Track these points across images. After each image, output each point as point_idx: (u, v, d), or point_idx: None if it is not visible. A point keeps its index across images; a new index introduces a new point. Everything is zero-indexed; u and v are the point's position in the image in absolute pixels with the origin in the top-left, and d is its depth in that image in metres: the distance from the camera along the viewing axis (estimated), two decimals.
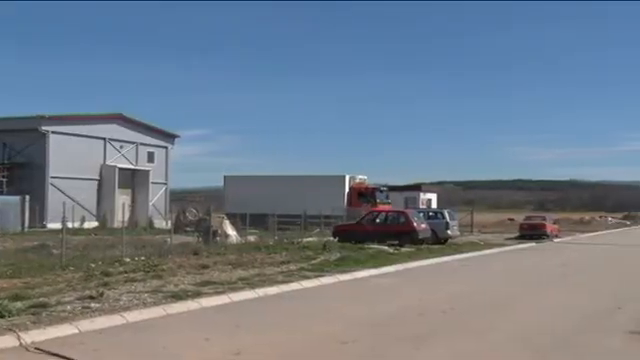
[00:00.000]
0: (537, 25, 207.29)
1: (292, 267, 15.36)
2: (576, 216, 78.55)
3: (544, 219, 38.56)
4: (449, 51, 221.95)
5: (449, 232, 27.90)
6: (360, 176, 40.09)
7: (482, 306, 10.77)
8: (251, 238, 24.40)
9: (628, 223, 77.59)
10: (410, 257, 19.67)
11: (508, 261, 21.50)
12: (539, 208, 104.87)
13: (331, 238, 25.55)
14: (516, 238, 34.56)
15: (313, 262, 16.72)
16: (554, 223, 40.21)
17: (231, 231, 24.11)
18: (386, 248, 22.16)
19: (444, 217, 28.24)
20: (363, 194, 37.11)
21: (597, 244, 33.18)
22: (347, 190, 38.12)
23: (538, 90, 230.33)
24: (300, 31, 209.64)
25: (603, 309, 10.50)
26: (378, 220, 26.59)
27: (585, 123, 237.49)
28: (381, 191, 38.40)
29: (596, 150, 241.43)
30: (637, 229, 63.69)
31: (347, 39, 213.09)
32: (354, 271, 15.25)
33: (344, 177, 38.57)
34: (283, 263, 16.17)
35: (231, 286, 11.69)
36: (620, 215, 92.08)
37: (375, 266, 16.60)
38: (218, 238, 22.26)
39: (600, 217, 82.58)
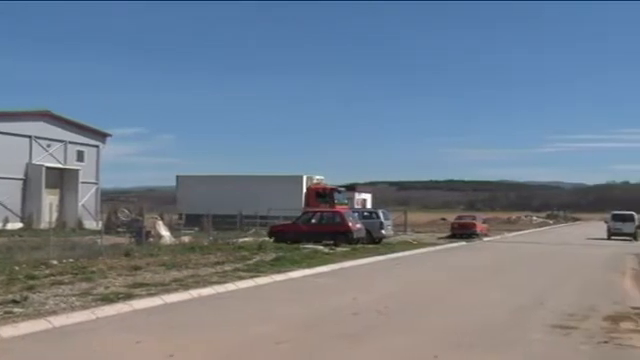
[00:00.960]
0: (471, 26, 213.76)
1: (227, 268, 15.23)
2: (504, 215, 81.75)
3: (474, 219, 39.78)
4: (383, 52, 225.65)
5: (383, 232, 28.35)
6: (317, 176, 39.80)
7: (415, 304, 11.03)
8: (185, 239, 24.01)
9: (551, 222, 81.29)
10: (345, 257, 19.88)
11: (440, 260, 22.08)
12: (470, 208, 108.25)
13: (267, 238, 25.49)
14: (448, 237, 35.50)
15: (248, 262, 16.64)
16: (484, 222, 41.59)
17: (164, 232, 23.65)
18: (321, 248, 22.30)
19: (378, 217, 28.67)
20: (321, 194, 36.88)
21: (523, 242, 34.56)
22: (305, 190, 37.83)
23: (471, 92, 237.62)
24: (235, 30, 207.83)
25: (527, 305, 10.95)
26: (314, 220, 26.72)
27: (513, 126, 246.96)
28: (339, 192, 38.29)
29: (523, 152, 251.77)
30: (559, 228, 66.77)
31: (284, 38, 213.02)
32: (289, 271, 15.27)
33: (302, 177, 38.19)
34: (218, 264, 16.00)
35: (164, 287, 11.48)
36: (544, 214, 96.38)
37: (310, 266, 16.69)
38: (151, 239, 21.79)
39: (526, 216, 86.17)
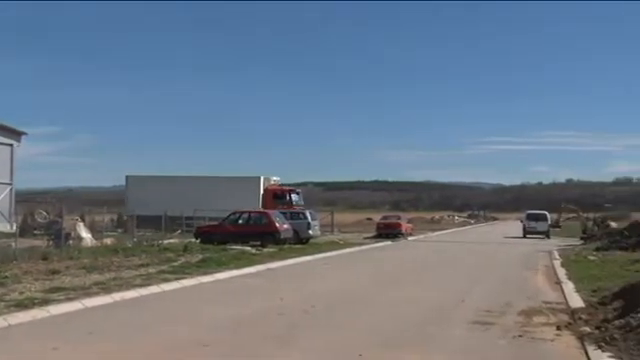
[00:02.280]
0: (400, 25, 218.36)
1: (151, 270, 14.88)
2: (428, 215, 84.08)
3: (399, 218, 40.68)
4: (304, 51, 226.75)
5: (311, 232, 28.53)
6: (274, 177, 39.35)
7: (341, 303, 11.18)
8: (108, 241, 23.27)
9: (472, 222, 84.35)
10: (272, 257, 19.87)
11: (365, 259, 22.45)
12: (395, 208, 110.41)
13: (193, 239, 25.10)
14: (373, 237, 36.11)
15: (174, 264, 16.34)
16: (408, 222, 42.61)
17: (85, 234, 22.83)
18: (249, 249, 22.20)
19: (306, 217, 28.84)
20: (279, 196, 36.44)
21: (445, 242, 35.69)
22: (262, 192, 37.24)
23: (396, 94, 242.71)
24: (154, 28, 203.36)
25: (449, 302, 11.34)
26: (241, 221, 26.55)
27: (436, 128, 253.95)
28: (297, 193, 37.95)
29: (446, 153, 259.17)
30: (479, 227, 69.41)
31: (203, 38, 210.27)
32: (216, 273, 15.12)
33: (259, 178, 37.52)
34: (142, 266, 15.61)
35: (85, 291, 11.10)
36: (465, 214, 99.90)
37: (237, 267, 16.58)
38: (71, 241, 20.97)
39: (448, 216, 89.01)
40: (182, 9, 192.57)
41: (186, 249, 20.20)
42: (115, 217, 39.39)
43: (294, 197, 36.63)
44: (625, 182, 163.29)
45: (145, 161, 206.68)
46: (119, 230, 34.31)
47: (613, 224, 44.10)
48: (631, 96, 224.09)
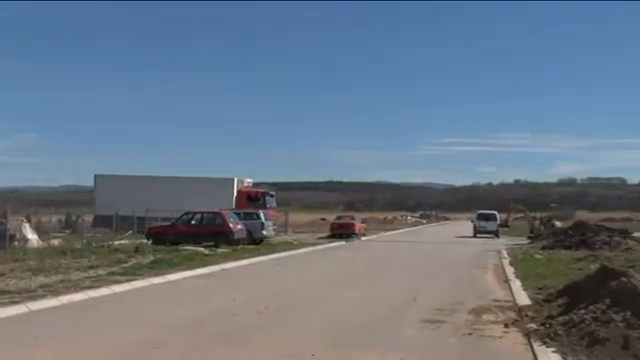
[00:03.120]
0: (358, 23, 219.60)
1: (101, 272, 14.56)
2: (381, 215, 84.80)
3: (353, 219, 40.96)
4: (252, 50, 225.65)
5: (264, 232, 28.44)
6: (248, 179, 38.86)
7: (295, 303, 11.20)
8: (55, 242, 22.64)
9: (424, 221, 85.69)
10: (226, 258, 19.74)
11: (319, 259, 22.54)
12: (349, 208, 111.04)
13: (144, 240, 24.68)
14: (327, 237, 36.25)
15: (124, 266, 16.03)
16: (362, 222, 42.94)
17: (31, 235, 22.16)
18: (202, 249, 21.96)
19: (259, 218, 28.73)
20: (253, 198, 35.97)
21: (398, 241, 36.14)
22: (235, 194, 36.70)
23: (350, 94, 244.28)
24: (108, 26, 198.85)
25: (401, 301, 11.50)
26: (194, 221, 26.25)
27: (391, 128, 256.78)
28: (271, 195, 37.54)
29: (399, 154, 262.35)
30: (431, 227, 70.58)
31: (153, 37, 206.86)
32: (168, 274, 14.92)
33: (232, 180, 36.97)
34: (91, 268, 15.25)
35: (30, 294, 10.78)
36: (418, 214, 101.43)
37: (190, 268, 16.40)
38: (16, 243, 20.32)
39: (401, 216, 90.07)
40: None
41: (137, 250, 19.83)
42: (63, 218, 38.38)
43: (268, 199, 36.35)
44: (569, 182, 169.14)
45: (98, 161, 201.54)
46: (67, 231, 33.44)
47: (558, 224, 45.62)
48: (575, 99, 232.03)
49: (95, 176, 40.00)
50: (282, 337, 8.14)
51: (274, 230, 33.71)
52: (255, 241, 27.18)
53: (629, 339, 6.72)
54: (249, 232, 26.63)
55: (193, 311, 10.11)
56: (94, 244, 21.82)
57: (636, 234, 30.45)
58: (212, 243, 23.83)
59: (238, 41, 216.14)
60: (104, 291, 11.86)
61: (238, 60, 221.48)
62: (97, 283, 12.63)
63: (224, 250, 22.40)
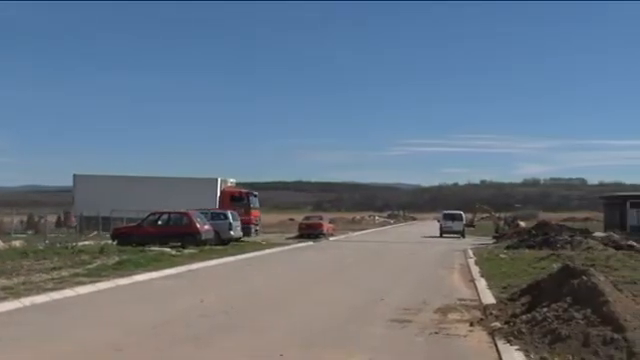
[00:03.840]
0: (319, 26, 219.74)
1: (65, 273, 14.28)
2: (349, 216, 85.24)
3: (321, 219, 41.06)
4: (219, 49, 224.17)
5: (232, 233, 28.26)
6: (231, 179, 38.43)
7: (263, 304, 11.16)
8: (17, 243, 22.11)
9: (392, 222, 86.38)
10: (193, 258, 19.57)
11: (288, 260, 22.52)
12: (317, 208, 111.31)
13: (110, 241, 24.29)
14: (296, 237, 36.27)
15: (89, 267, 15.75)
16: (330, 222, 43.09)
17: None
18: (168, 250, 21.71)
19: (227, 218, 28.55)
20: (237, 198, 35.52)
21: (366, 241, 36.34)
22: (219, 194, 36.17)
23: (318, 93, 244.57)
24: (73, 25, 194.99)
25: (369, 301, 11.57)
26: (160, 222, 25.93)
27: (359, 128, 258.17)
28: (255, 195, 37.21)
29: (367, 154, 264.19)
30: (398, 227, 71.16)
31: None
32: (134, 275, 14.72)
33: (216, 180, 36.42)
34: (54, 269, 14.95)
35: None
36: (385, 214, 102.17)
37: (157, 269, 16.22)
38: None
39: (369, 216, 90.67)
40: None
41: (102, 251, 19.51)
42: (25, 218, 37.52)
43: (252, 199, 36.14)
44: (533, 183, 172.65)
45: (68, 160, 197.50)
46: (29, 232, 32.70)
47: (522, 223, 46.56)
48: (541, 101, 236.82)
49: (74, 176, 39.21)
50: (250, 337, 8.11)
51: (256, 231, 34.02)
52: (223, 242, 27.00)
53: (589, 336, 6.89)
54: (217, 232, 26.44)
55: (159, 312, 9.99)
56: (58, 245, 21.39)
57: (596, 234, 31.19)
58: (179, 244, 23.61)
59: (203, 41, 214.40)
60: (67, 293, 11.64)
61: (204, 61, 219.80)
62: (60, 285, 12.39)
63: (191, 251, 22.19)
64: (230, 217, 28.59)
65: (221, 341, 7.85)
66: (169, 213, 26.49)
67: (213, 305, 10.71)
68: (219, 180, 36.31)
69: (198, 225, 24.88)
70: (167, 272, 16.04)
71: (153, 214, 26.06)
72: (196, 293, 12.23)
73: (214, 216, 28.31)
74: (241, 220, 32.67)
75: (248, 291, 13.00)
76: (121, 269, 15.53)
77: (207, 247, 24.13)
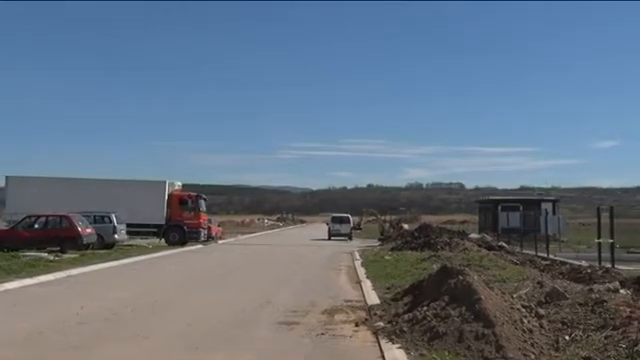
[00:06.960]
0: (222, 29, 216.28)
1: None
2: (239, 218, 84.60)
3: (209, 222, 40.43)
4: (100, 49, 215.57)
5: (116, 236, 27.17)
6: (177, 183, 36.19)
7: (146, 309, 10.84)
8: None
9: (281, 225, 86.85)
10: (73, 264, 18.60)
11: (174, 263, 21.97)
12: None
13: None
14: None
15: None
16: (219, 225, 42.58)
17: None
18: (46, 255, 20.51)
19: (111, 221, 27.41)
20: (185, 202, 33.58)
21: (255, 244, 36.30)
22: (166, 197, 33.82)
23: (207, 94, 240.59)
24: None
25: (256, 304, 11.57)
26: (37, 225, 24.40)
27: (249, 131, 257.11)
28: (205, 199, 35.30)
29: (258, 158, 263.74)
30: (287, 230, 71.71)
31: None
32: (5, 282, 13.75)
33: (164, 183, 34.05)
34: None
35: None
36: (275, 217, 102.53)
37: (31, 275, 15.25)
38: None
39: (258, 219, 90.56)
40: None
41: None
42: None
43: (201, 203, 34.72)
44: (417, 187, 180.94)
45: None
46: None
47: (406, 226, 48.56)
48: (423, 108, 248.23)
49: (6, 177, 35.80)
50: (134, 344, 7.85)
51: (205, 235, 33.97)
52: (107, 245, 25.89)
53: (463, 332, 7.34)
54: (100, 236, 25.32)
55: (35, 321, 9.40)
56: None
57: (472, 235, 33.25)
58: (58, 248, 22.36)
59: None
60: None
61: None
62: None
63: (71, 255, 21.09)
64: (114, 220, 27.46)
65: (102, 349, 7.54)
66: (47, 216, 24.99)
67: (95, 312, 10.25)
68: (167, 183, 34.86)
69: (79, 228, 23.71)
70: (43, 278, 15.14)
71: (29, 217, 24.50)
72: (76, 300, 11.63)
73: (97, 219, 27.07)
74: (190, 224, 31.85)
75: (132, 296, 12.55)
76: None
77: (89, 251, 23.06)
